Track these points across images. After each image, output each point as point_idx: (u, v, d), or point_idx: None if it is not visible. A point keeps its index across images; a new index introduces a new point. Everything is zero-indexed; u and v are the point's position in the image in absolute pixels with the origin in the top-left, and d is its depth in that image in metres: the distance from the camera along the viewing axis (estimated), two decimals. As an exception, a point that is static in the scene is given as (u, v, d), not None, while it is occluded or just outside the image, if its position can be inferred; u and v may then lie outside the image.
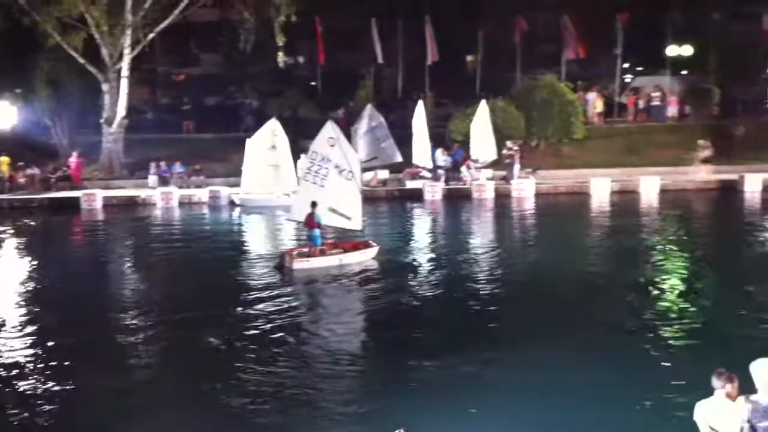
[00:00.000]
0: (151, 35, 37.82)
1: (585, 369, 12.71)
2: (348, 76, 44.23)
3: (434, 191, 33.72)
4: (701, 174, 34.40)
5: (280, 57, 38.85)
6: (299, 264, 20.92)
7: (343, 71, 45.02)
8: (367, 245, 22.17)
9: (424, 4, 43.18)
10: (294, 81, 46.76)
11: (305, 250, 21.79)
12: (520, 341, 14.38)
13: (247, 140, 32.74)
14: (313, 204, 21.24)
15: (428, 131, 35.32)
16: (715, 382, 7.18)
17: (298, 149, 33.08)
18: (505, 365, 13.20)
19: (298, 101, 42.09)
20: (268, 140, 32.33)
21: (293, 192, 30.65)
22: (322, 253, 21.55)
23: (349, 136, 30.02)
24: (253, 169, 32.44)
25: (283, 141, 32.31)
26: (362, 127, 35.12)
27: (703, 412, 7.15)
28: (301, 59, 52.00)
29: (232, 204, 32.78)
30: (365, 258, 21.67)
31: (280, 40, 37.64)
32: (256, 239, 27.80)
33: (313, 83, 47.75)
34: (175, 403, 12.09)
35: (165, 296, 19.10)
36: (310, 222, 21.38)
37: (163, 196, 33.73)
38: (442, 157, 35.34)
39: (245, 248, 25.54)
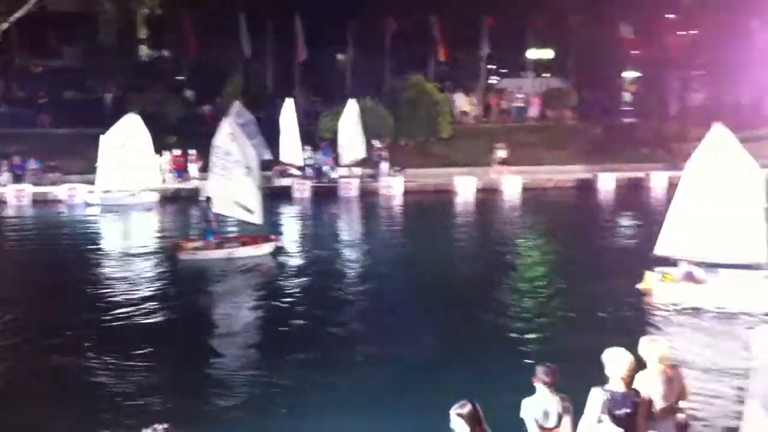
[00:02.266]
0: (5, 25, 35.74)
1: (445, 369, 12.89)
2: (216, 72, 43.30)
3: (303, 189, 33.55)
4: (498, 175, 35.14)
5: (143, 50, 37.57)
6: (187, 256, 21.12)
7: (211, 67, 44.04)
8: (266, 239, 22.22)
9: (294, 1, 42.84)
10: (159, 75, 45.30)
11: (198, 243, 21.86)
12: (385, 339, 14.52)
13: (101, 136, 31.36)
14: (207, 199, 21.70)
15: (297, 129, 35.10)
16: (539, 376, 7.36)
17: (162, 145, 32.13)
18: (368, 364, 13.27)
19: (163, 96, 40.80)
20: (124, 136, 31.13)
21: (151, 189, 29.96)
22: (215, 246, 21.64)
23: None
24: (109, 166, 31.12)
25: (142, 137, 31.23)
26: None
27: (528, 407, 7.34)
28: (166, 53, 50.46)
29: (87, 204, 31.41)
30: (260, 252, 21.71)
31: (143, 33, 36.41)
32: (120, 236, 26.81)
33: (179, 78, 46.48)
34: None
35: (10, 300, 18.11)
36: (205, 215, 21.83)
37: (16, 194, 31.94)
38: (311, 156, 35.23)
39: (107, 246, 24.66)
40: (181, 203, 31.89)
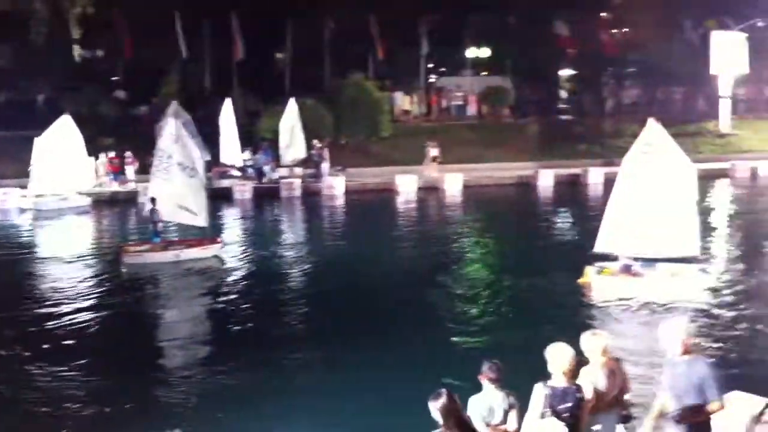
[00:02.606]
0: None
1: (386, 368, 12.89)
2: (152, 72, 42.53)
3: (244, 191, 33.22)
4: (431, 173, 35.38)
5: (77, 50, 36.70)
6: (132, 259, 20.91)
7: (147, 67, 43.23)
8: (212, 241, 22.08)
9: (229, 1, 42.34)
10: (93, 76, 44.28)
11: (144, 246, 21.70)
12: (327, 340, 14.49)
13: (36, 139, 30.51)
14: (152, 200, 21.37)
15: (237, 129, 34.73)
16: (485, 373, 7.39)
17: (97, 148, 31.42)
18: (311, 365, 13.21)
19: (97, 97, 39.92)
20: (57, 138, 30.33)
21: (85, 192, 29.34)
22: (161, 248, 21.46)
23: (154, 134, 29.01)
24: (42, 170, 30.26)
25: (75, 139, 30.49)
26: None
27: (475, 405, 7.37)
28: (100, 53, 49.35)
29: (20, 209, 30.54)
30: (207, 254, 21.53)
31: (76, 33, 35.57)
32: (57, 241, 26.08)
33: (114, 78, 45.54)
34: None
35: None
36: (151, 217, 21.62)
37: (-56, 199, 30.90)
38: (251, 156, 34.92)
39: (45, 252, 24.05)
40: (118, 206, 31.26)
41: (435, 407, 6.19)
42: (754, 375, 11.73)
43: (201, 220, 22.00)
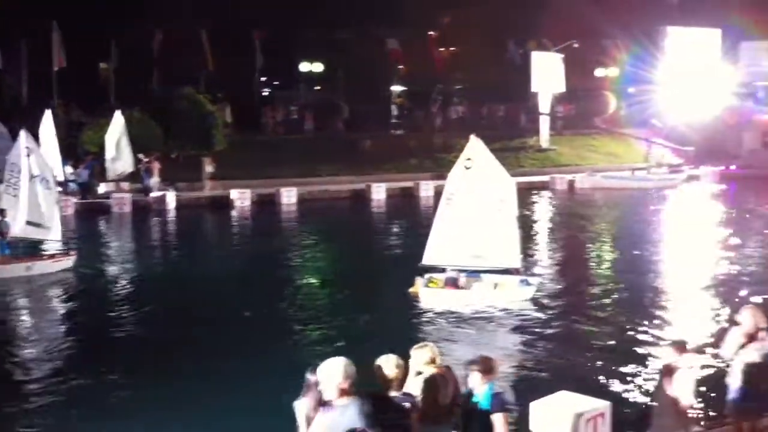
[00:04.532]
0: None
1: (211, 385, 12.60)
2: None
3: (66, 207, 31.41)
4: (211, 189, 35.12)
5: None
6: None
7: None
8: (65, 254, 21.60)
9: (49, 8, 40.08)
10: None
11: None
12: (160, 354, 14.03)
13: None
14: (2, 212, 20.71)
15: (58, 143, 32.86)
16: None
17: None
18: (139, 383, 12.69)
19: None
20: None
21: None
22: (12, 260, 20.79)
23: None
24: None
25: None
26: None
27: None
28: None
29: None
30: (59, 267, 21.04)
31: None
32: None
33: None
34: None
35: None
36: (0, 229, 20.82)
37: None
38: (74, 171, 33.19)
39: None
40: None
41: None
42: (576, 376, 12.41)
43: (55, 234, 21.45)
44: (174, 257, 25.05)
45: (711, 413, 10.78)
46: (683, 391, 8.07)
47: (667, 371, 8.22)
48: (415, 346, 7.97)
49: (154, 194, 33.26)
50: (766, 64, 53.12)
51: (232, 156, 38.51)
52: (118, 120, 34.21)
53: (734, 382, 8.80)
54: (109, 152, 34.09)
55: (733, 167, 44.09)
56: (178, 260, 24.36)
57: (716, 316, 16.64)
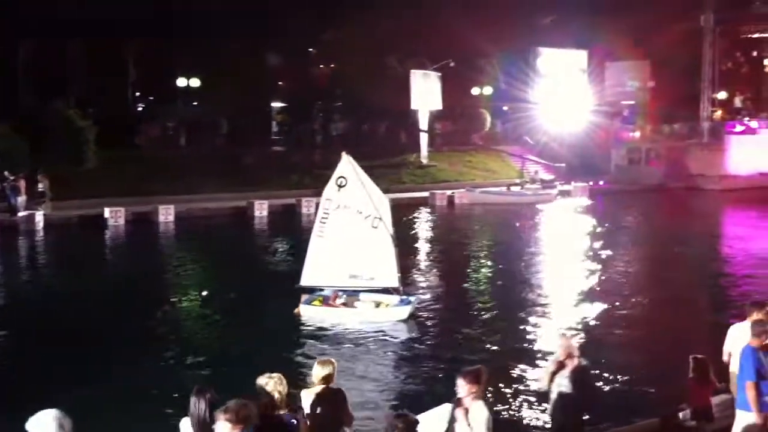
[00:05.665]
0: None
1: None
2: None
3: None
4: (47, 210, 32.63)
5: None
6: None
7: None
8: None
9: None
10: None
11: None
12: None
13: None
14: None
15: None
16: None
17: None
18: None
19: None
20: None
21: None
22: None
23: None
24: None
25: None
26: None
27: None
28: None
29: None
30: None
31: None
32: None
33: None
34: None
35: None
36: None
37: None
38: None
39: None
40: None
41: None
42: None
43: None
44: (41, 279, 23.84)
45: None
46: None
47: (459, 405, 7.39)
48: (318, 360, 7.97)
49: (21, 214, 31.61)
50: (630, 84, 56.36)
51: (105, 173, 37.21)
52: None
53: (551, 411, 8.79)
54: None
55: (601, 183, 46.27)
56: (46, 282, 23.25)
57: (585, 330, 17.30)
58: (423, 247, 29.82)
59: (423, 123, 47.43)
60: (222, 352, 15.59)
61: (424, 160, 46.86)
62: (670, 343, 15.75)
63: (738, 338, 9.19)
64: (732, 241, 31.68)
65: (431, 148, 47.89)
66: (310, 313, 17.52)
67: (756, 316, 8.96)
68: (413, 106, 47.06)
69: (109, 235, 31.17)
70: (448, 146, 50.27)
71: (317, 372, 7.98)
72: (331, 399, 7.90)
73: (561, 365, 8.53)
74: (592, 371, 13.28)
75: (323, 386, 7.91)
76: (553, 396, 8.65)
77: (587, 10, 47.83)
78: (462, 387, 7.30)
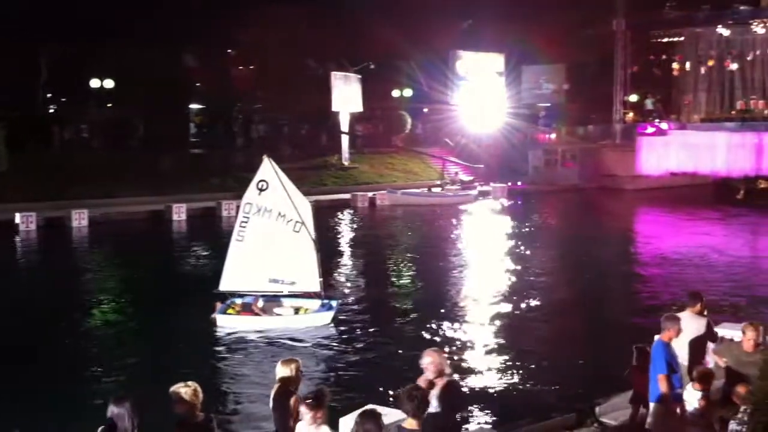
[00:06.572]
0: None
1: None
2: None
3: None
4: None
5: None
6: None
7: None
8: None
9: None
10: None
11: None
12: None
13: None
14: None
15: None
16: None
17: None
18: None
19: None
20: None
21: None
22: None
23: None
24: None
25: None
26: None
27: None
28: None
29: None
30: None
31: None
32: None
33: None
34: None
35: None
36: None
37: None
38: None
39: None
40: None
41: None
42: (380, 389, 12.64)
43: None
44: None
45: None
46: None
47: None
48: (282, 360, 8.13)
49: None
50: (546, 87, 57.63)
51: (16, 177, 35.87)
52: None
53: None
54: None
55: (519, 183, 47.15)
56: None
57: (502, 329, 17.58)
58: (345, 249, 29.76)
59: (344, 125, 47.40)
60: (137, 360, 15.25)
61: (346, 162, 46.84)
62: (585, 340, 16.18)
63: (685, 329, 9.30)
64: (644, 239, 32.80)
65: (352, 150, 47.90)
66: (226, 321, 17.18)
67: (694, 306, 9.67)
68: (334, 108, 46.99)
69: (20, 241, 30.07)
70: (369, 148, 50.36)
71: (280, 372, 8.02)
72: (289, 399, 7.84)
73: (431, 384, 7.51)
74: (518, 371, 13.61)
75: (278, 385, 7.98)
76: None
77: (504, 14, 48.67)
78: (306, 415, 6.97)
